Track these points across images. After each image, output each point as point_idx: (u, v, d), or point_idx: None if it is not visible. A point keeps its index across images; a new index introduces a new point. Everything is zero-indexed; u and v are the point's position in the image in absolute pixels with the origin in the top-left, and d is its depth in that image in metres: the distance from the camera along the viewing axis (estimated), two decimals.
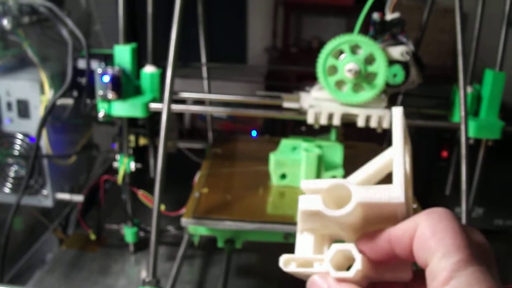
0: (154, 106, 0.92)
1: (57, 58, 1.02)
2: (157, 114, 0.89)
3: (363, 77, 0.82)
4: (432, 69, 1.97)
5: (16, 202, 0.95)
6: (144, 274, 0.87)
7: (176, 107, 0.89)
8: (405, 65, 0.83)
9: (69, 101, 0.98)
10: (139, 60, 0.96)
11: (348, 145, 1.01)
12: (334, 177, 0.91)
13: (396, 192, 0.30)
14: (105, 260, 1.08)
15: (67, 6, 1.04)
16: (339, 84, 0.84)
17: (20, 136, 0.99)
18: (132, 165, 1.01)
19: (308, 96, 0.89)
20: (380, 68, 0.81)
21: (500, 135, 0.94)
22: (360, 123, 0.87)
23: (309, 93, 0.90)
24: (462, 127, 0.86)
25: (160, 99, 0.95)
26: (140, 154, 1.09)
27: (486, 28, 0.99)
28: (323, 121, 0.87)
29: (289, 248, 0.35)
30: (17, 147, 0.99)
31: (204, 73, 1.21)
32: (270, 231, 0.88)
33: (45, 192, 1.02)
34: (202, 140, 1.28)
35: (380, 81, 0.82)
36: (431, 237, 0.28)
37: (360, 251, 0.31)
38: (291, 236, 0.88)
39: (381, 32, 0.85)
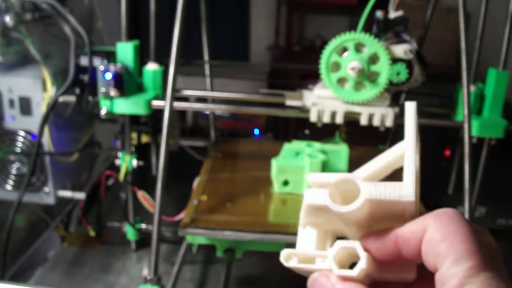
0: (156, 103, 0.92)
1: (60, 55, 1.02)
2: (159, 112, 0.89)
3: (365, 76, 0.81)
4: (435, 68, 1.97)
5: (17, 199, 0.95)
6: (145, 272, 0.86)
7: (178, 105, 0.89)
8: (408, 63, 0.83)
9: (71, 98, 0.98)
10: (141, 57, 0.96)
11: (353, 149, 0.98)
12: None
13: (407, 191, 0.29)
14: (107, 257, 1.08)
15: (69, 3, 1.03)
16: (341, 81, 0.83)
17: (22, 133, 0.99)
18: (134, 163, 1.00)
19: (311, 94, 0.89)
20: (383, 67, 0.81)
21: (503, 134, 0.93)
22: (363, 121, 0.86)
23: (312, 91, 0.89)
24: (465, 125, 0.86)
25: (162, 97, 0.94)
26: (142, 152, 1.09)
27: (489, 27, 0.99)
28: (326, 119, 0.87)
29: None
30: (19, 144, 0.99)
31: (207, 71, 1.21)
32: (272, 241, 0.85)
33: (47, 189, 1.02)
34: (204, 138, 1.28)
35: (382, 80, 0.81)
36: (441, 241, 0.28)
37: (365, 250, 0.31)
38: (294, 246, 0.85)
39: (385, 30, 0.84)
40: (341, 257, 0.31)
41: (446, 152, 1.21)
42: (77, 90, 0.99)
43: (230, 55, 2.53)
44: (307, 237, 0.34)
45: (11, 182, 1.02)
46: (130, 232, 1.07)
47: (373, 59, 0.81)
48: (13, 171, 1.01)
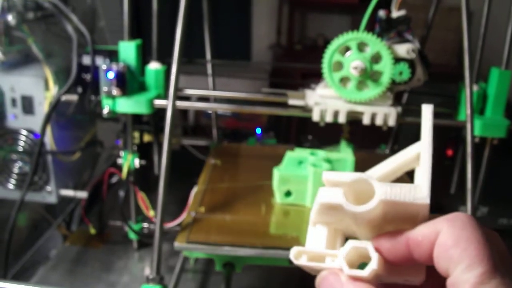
0: (158, 102, 0.92)
1: (62, 54, 1.02)
2: (161, 111, 0.89)
3: (368, 75, 0.81)
4: (437, 67, 1.97)
5: (20, 198, 0.95)
6: (147, 271, 0.87)
7: (180, 104, 0.89)
8: (410, 63, 0.83)
9: (73, 97, 0.98)
10: (144, 56, 0.96)
11: (358, 156, 0.95)
12: None
13: (421, 193, 0.29)
14: (109, 256, 1.08)
15: (72, 2, 1.04)
16: (344, 80, 0.83)
17: (24, 132, 0.99)
18: (136, 162, 1.00)
19: (314, 93, 0.89)
20: (386, 67, 0.80)
21: (505, 134, 0.93)
22: (366, 120, 0.86)
23: (314, 91, 0.89)
24: (468, 125, 0.86)
25: (164, 96, 0.95)
26: (144, 151, 1.09)
27: (492, 26, 0.98)
28: (329, 118, 0.87)
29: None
30: (22, 143, 0.99)
31: (209, 70, 1.21)
32: (273, 257, 0.81)
33: (49, 188, 1.02)
34: (206, 137, 1.28)
35: (385, 79, 0.81)
36: (453, 246, 0.27)
37: (376, 250, 0.31)
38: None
39: (387, 29, 0.84)
40: (351, 257, 0.31)
41: (448, 152, 1.20)
42: (80, 89, 0.99)
43: (232, 54, 2.53)
44: (317, 235, 0.33)
45: (13, 181, 1.02)
46: (131, 231, 1.08)
47: (376, 58, 0.81)
48: (15, 170, 1.01)
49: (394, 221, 0.31)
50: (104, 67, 0.89)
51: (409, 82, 0.84)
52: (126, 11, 0.91)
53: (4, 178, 1.02)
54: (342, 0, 2.58)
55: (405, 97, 1.14)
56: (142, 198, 1.00)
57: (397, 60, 0.82)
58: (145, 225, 1.08)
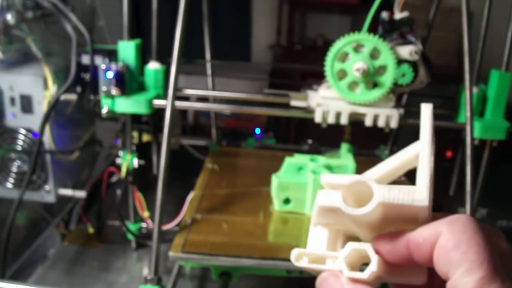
0: (157, 102, 0.91)
1: (61, 53, 1.01)
2: (160, 111, 0.89)
3: (371, 77, 0.81)
4: (438, 68, 1.96)
5: (18, 197, 0.95)
6: (146, 271, 0.86)
7: (179, 104, 0.89)
8: (413, 65, 0.83)
9: (72, 97, 0.98)
10: (143, 56, 0.96)
11: (358, 160, 0.93)
12: None
13: (420, 195, 0.29)
14: (107, 256, 1.08)
15: (71, 1, 1.03)
16: (352, 86, 0.83)
17: (23, 131, 0.99)
18: (135, 162, 1.00)
19: (316, 94, 0.88)
20: (387, 60, 0.80)
21: (505, 136, 0.93)
22: (368, 122, 0.86)
23: (316, 92, 0.89)
24: (467, 127, 0.85)
25: (164, 96, 0.94)
26: (143, 151, 1.08)
27: (492, 28, 0.98)
28: (331, 120, 0.86)
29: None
30: (20, 142, 0.99)
31: (208, 70, 1.21)
32: (271, 268, 0.79)
33: (47, 187, 1.02)
34: (206, 137, 1.28)
35: (388, 81, 0.81)
36: (454, 249, 0.27)
37: (376, 252, 0.31)
38: (295, 272, 0.79)
39: (390, 31, 0.84)
40: (352, 258, 0.31)
41: (448, 153, 1.20)
42: (79, 89, 0.98)
43: (232, 54, 2.53)
44: (318, 237, 0.33)
45: (12, 180, 1.02)
46: (129, 232, 1.07)
47: (375, 54, 0.81)
48: (14, 169, 1.01)
49: (395, 222, 0.31)
50: (103, 66, 0.89)
51: (412, 84, 0.84)
52: (125, 10, 0.91)
53: (3, 177, 1.01)
54: (342, 1, 2.58)
55: (405, 99, 1.13)
56: (138, 198, 1.00)
57: (400, 62, 0.82)
58: (143, 225, 1.07)
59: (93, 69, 0.95)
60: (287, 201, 0.90)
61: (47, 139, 0.99)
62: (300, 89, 0.93)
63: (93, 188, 1.12)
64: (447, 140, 1.21)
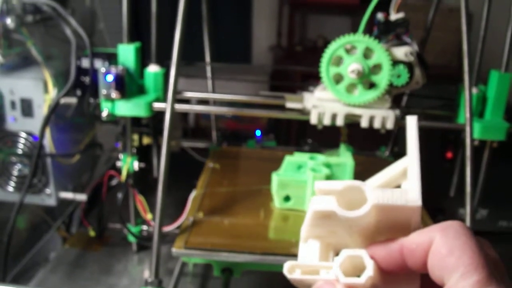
0: (157, 105, 0.92)
1: (61, 57, 1.02)
2: (160, 113, 0.89)
3: (368, 75, 0.81)
4: (437, 69, 1.96)
5: (19, 200, 0.95)
6: (147, 273, 0.86)
7: (179, 107, 0.89)
8: (409, 66, 0.83)
9: (72, 100, 0.98)
10: (143, 59, 0.96)
11: (358, 160, 0.94)
12: None
13: (413, 196, 0.30)
14: (108, 259, 1.08)
15: (71, 4, 1.04)
16: (349, 88, 0.83)
17: (23, 135, 0.99)
18: (136, 165, 1.00)
19: (312, 96, 0.89)
20: (381, 58, 0.80)
21: (505, 137, 0.93)
22: (364, 123, 0.86)
23: (312, 94, 0.89)
24: (467, 128, 0.86)
25: (163, 99, 0.95)
26: (144, 154, 1.09)
27: (492, 28, 0.98)
28: (327, 121, 0.87)
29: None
30: (21, 146, 0.99)
31: (208, 73, 1.21)
32: (271, 263, 0.80)
33: (48, 191, 1.02)
34: (206, 139, 1.28)
35: (383, 82, 0.81)
36: (448, 255, 0.28)
37: (371, 258, 0.31)
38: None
39: (385, 32, 0.84)
40: (346, 268, 0.31)
41: (448, 154, 1.20)
42: (79, 92, 0.99)
43: (232, 56, 2.53)
44: (309, 251, 0.33)
45: (12, 183, 1.02)
46: (130, 234, 1.08)
47: (368, 54, 0.81)
48: (15, 172, 1.01)
49: (387, 230, 0.31)
50: (103, 70, 0.89)
51: (408, 85, 0.84)
52: (125, 13, 0.92)
53: (4, 181, 1.02)
54: (342, 2, 2.58)
55: (405, 100, 1.13)
56: (140, 201, 1.01)
57: (396, 62, 0.82)
58: (144, 227, 1.08)
59: (93, 73, 0.95)
60: (287, 198, 0.92)
61: (48, 143, 0.99)
62: (299, 91, 0.93)
63: (94, 191, 1.12)
64: (447, 141, 1.21)
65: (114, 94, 0.90)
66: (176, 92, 0.84)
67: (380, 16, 0.84)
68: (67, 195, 1.05)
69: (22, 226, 1.10)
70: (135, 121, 1.01)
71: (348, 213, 0.30)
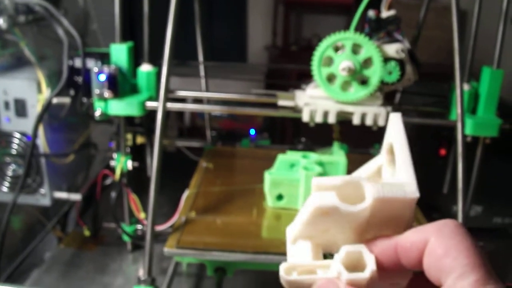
0: (150, 104, 0.92)
1: (54, 57, 1.02)
2: (154, 113, 0.89)
3: (358, 74, 0.81)
4: (431, 67, 1.97)
5: (12, 200, 0.95)
6: (141, 272, 0.86)
7: (172, 106, 0.89)
8: (400, 63, 0.83)
9: (66, 100, 0.98)
10: (136, 58, 0.96)
11: (351, 158, 0.94)
12: None
13: (411, 188, 0.30)
14: (103, 258, 1.08)
15: (64, 5, 1.04)
16: (333, 81, 0.83)
17: (17, 135, 0.99)
18: (129, 164, 1.01)
19: (303, 94, 0.89)
20: (375, 71, 0.80)
21: (497, 133, 0.94)
22: (356, 121, 0.86)
23: (304, 91, 0.89)
24: (459, 125, 0.86)
25: (156, 98, 0.95)
26: (137, 153, 1.09)
27: (484, 25, 0.99)
28: (318, 119, 0.87)
29: None
30: (15, 146, 0.99)
31: (202, 72, 1.21)
32: (264, 262, 0.81)
33: (42, 191, 1.03)
34: (202, 139, 1.28)
35: (374, 79, 0.81)
36: (444, 255, 0.27)
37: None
38: None
39: (377, 29, 0.84)
40: (345, 265, 0.30)
41: (441, 151, 1.21)
42: (72, 92, 0.99)
43: (228, 55, 2.53)
44: (299, 251, 0.32)
45: (7, 184, 1.02)
46: (124, 233, 1.08)
47: (367, 61, 0.81)
48: (9, 173, 1.01)
49: (380, 225, 0.30)
50: (95, 69, 0.89)
51: (399, 82, 0.84)
52: (117, 13, 0.92)
53: None
54: (337, 1, 2.58)
55: (398, 97, 1.14)
56: (133, 200, 1.01)
57: (387, 59, 0.82)
58: (139, 227, 1.08)
59: (86, 72, 0.95)
60: (280, 197, 0.92)
61: (42, 143, 0.99)
62: (291, 89, 0.93)
63: (89, 191, 1.12)
64: (440, 138, 1.21)
65: (107, 94, 0.90)
66: (168, 90, 0.84)
67: (371, 13, 0.85)
68: (62, 195, 1.05)
69: (16, 226, 1.10)
70: (129, 121, 1.01)
71: (351, 207, 0.29)
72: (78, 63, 0.97)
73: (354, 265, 0.30)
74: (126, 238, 1.08)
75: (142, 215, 1.01)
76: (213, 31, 2.43)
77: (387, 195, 0.29)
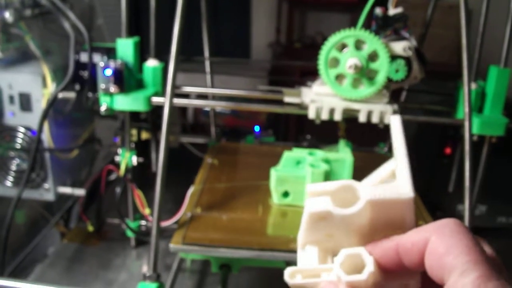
0: (156, 100, 0.92)
1: (60, 51, 1.02)
2: (159, 108, 0.89)
3: (364, 73, 0.81)
4: (437, 66, 1.96)
5: (17, 195, 0.95)
6: (145, 268, 0.86)
7: (178, 101, 0.89)
8: (407, 61, 0.83)
9: (71, 95, 0.98)
10: (141, 53, 0.96)
11: (357, 156, 0.94)
12: None
13: (404, 188, 0.30)
14: (107, 254, 1.08)
15: None
16: (340, 78, 0.83)
17: (22, 129, 0.99)
18: (134, 159, 1.00)
19: (310, 91, 0.89)
20: (382, 65, 0.80)
21: (504, 132, 0.93)
22: (362, 118, 0.86)
23: (310, 88, 0.89)
24: (466, 123, 0.86)
25: (162, 93, 0.94)
26: (142, 148, 1.09)
27: (491, 24, 0.98)
28: (324, 116, 0.86)
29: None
30: (19, 140, 0.99)
31: (207, 68, 1.21)
32: (270, 259, 0.81)
33: (46, 185, 1.02)
34: (205, 135, 1.28)
35: (381, 77, 0.81)
36: (445, 254, 0.28)
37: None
38: (294, 264, 0.79)
39: (384, 27, 0.84)
40: (347, 268, 0.31)
41: (447, 150, 1.20)
42: (77, 87, 0.99)
43: (232, 52, 2.53)
44: (308, 256, 0.33)
45: (11, 178, 1.02)
46: (129, 229, 1.07)
47: (372, 56, 0.81)
48: (13, 167, 1.01)
49: (383, 228, 0.31)
50: (101, 64, 0.89)
51: (406, 80, 0.84)
52: (123, 8, 0.91)
53: (2, 176, 1.02)
54: None
55: (404, 95, 1.13)
56: (138, 195, 1.00)
57: (394, 57, 0.82)
58: (143, 222, 1.08)
59: (92, 67, 0.95)
60: (285, 194, 0.92)
61: (46, 138, 0.99)
62: (297, 86, 0.93)
63: (93, 186, 1.12)
64: (446, 137, 1.21)
65: (112, 89, 0.89)
66: (174, 86, 0.84)
67: (378, 11, 0.84)
68: (66, 190, 1.05)
69: (20, 221, 1.10)
70: (134, 116, 1.01)
71: (342, 210, 0.30)
72: (83, 57, 0.96)
73: (356, 268, 0.31)
74: (129, 233, 1.07)
75: (147, 211, 1.01)
76: (218, 28, 2.43)
77: (380, 197, 0.30)
